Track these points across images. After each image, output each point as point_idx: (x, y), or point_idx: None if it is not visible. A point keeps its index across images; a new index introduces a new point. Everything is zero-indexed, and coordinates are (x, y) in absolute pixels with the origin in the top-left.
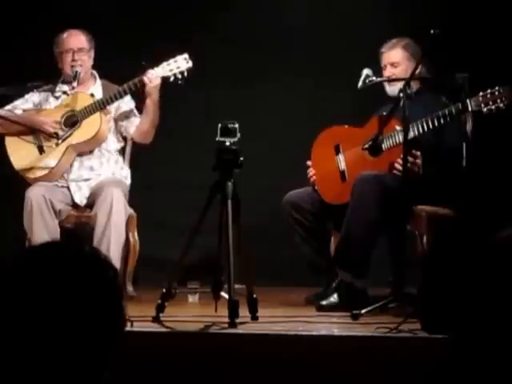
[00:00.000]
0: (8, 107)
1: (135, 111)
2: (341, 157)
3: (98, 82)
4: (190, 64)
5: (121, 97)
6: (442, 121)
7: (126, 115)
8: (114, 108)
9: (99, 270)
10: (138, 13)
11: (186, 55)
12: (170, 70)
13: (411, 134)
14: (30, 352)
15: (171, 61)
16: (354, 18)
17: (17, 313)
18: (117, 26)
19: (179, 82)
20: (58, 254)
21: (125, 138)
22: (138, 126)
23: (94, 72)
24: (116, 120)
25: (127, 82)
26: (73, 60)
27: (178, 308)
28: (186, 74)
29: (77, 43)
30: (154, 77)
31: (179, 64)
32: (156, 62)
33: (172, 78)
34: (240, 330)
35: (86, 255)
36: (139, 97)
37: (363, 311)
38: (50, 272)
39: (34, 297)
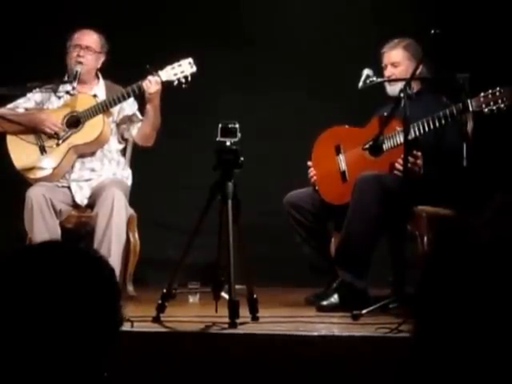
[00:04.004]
0: (10, 106)
1: (138, 114)
2: (341, 157)
3: (102, 82)
4: (195, 68)
5: (124, 99)
6: (442, 121)
7: (129, 118)
8: (116, 110)
9: (95, 269)
10: (140, 15)
11: (190, 59)
12: (174, 74)
13: (412, 135)
14: (26, 351)
15: (175, 65)
16: (354, 18)
17: (12, 312)
18: (122, 27)
19: (183, 86)
20: (54, 253)
21: (126, 139)
22: (139, 129)
23: (98, 72)
24: (118, 122)
25: (131, 84)
26: (78, 55)
27: (179, 308)
28: (189, 78)
29: (86, 41)
30: (152, 83)
31: (183, 68)
32: (160, 66)
33: (176, 83)
34: (240, 330)
35: (82, 254)
36: (141, 99)
37: (364, 311)
38: (45, 270)
39: (29, 295)
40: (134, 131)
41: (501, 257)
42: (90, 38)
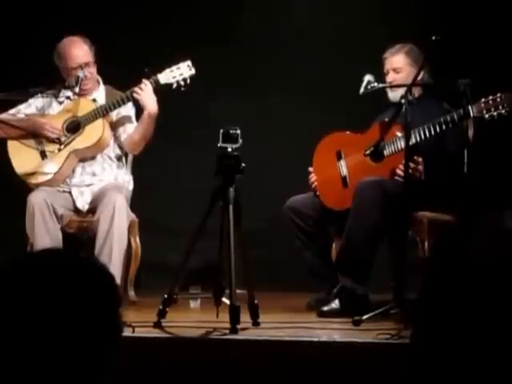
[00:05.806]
0: (11, 111)
1: (133, 119)
2: (342, 163)
3: (102, 87)
4: (193, 71)
5: (123, 103)
6: (443, 127)
7: (123, 121)
8: (114, 115)
9: (95, 277)
10: (140, 18)
11: (189, 62)
12: (173, 77)
13: (413, 140)
14: (26, 358)
15: (174, 68)
16: (355, 23)
17: (12, 320)
18: (121, 31)
19: (182, 88)
20: (54, 261)
21: None
22: (129, 134)
23: (98, 77)
24: (115, 127)
25: (129, 88)
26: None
27: (180, 313)
28: (188, 81)
29: (83, 58)
30: (143, 88)
31: (182, 71)
32: (159, 69)
33: (175, 85)
34: (241, 335)
35: (82, 262)
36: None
37: (364, 317)
38: (45, 278)
39: (29, 304)
40: (124, 136)
41: (499, 268)
42: (82, 52)
